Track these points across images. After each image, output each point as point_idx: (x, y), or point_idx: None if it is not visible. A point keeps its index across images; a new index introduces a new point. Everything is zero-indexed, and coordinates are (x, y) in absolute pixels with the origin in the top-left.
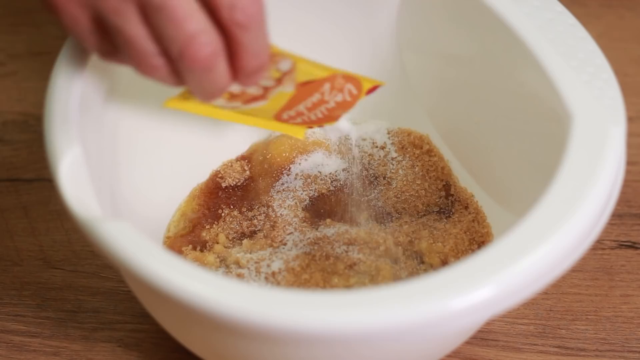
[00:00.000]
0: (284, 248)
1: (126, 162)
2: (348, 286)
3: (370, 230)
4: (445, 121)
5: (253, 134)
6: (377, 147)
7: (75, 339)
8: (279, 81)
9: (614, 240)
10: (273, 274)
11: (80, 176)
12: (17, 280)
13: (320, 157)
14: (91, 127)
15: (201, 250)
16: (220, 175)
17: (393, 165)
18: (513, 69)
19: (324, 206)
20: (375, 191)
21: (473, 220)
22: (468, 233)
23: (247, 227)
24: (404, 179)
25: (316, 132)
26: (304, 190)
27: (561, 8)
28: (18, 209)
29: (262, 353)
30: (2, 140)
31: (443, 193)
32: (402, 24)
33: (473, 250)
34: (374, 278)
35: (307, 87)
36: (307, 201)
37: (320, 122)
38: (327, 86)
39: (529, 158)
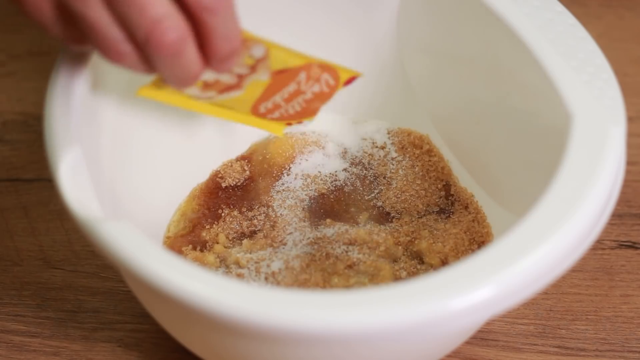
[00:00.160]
0: (284, 248)
1: (126, 162)
2: (348, 286)
3: (370, 230)
4: (445, 121)
5: (253, 134)
6: (377, 147)
7: (75, 339)
8: (253, 68)
9: (614, 240)
10: (273, 274)
11: (80, 176)
12: (17, 280)
13: (320, 157)
14: (91, 127)
15: (201, 250)
16: (220, 175)
17: (393, 165)
18: (513, 69)
19: (324, 206)
20: (375, 191)
21: (473, 220)
22: (468, 233)
23: (247, 227)
24: (404, 179)
25: (316, 132)
26: (304, 190)
27: (561, 8)
28: (18, 209)
29: (262, 353)
30: (2, 140)
31: (443, 193)
32: (402, 24)
33: (473, 250)
34: (374, 278)
35: (282, 75)
36: (307, 201)
37: (299, 117)
38: (302, 75)
39: (529, 158)
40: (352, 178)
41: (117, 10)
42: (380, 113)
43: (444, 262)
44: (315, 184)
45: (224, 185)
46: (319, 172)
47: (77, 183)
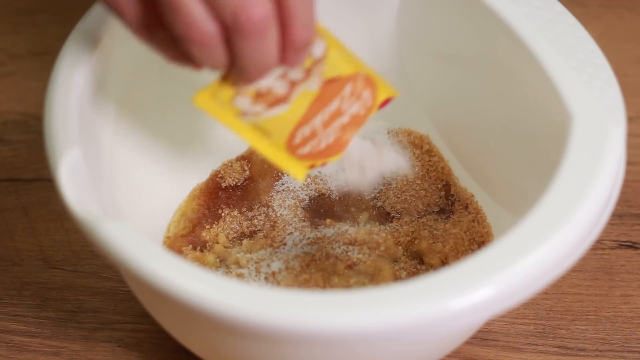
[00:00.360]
0: (284, 248)
1: (126, 162)
2: (348, 286)
3: (370, 230)
4: (445, 121)
5: None
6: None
7: (75, 339)
8: (308, 72)
9: (614, 240)
10: (273, 274)
11: (80, 176)
12: (17, 280)
13: None
14: (91, 127)
15: (201, 251)
16: (220, 175)
17: None
18: (513, 69)
19: (324, 206)
20: (375, 191)
21: (473, 220)
22: (468, 233)
23: (247, 227)
24: (404, 179)
25: None
26: (304, 190)
27: (561, 8)
28: (18, 209)
29: (262, 353)
30: (2, 140)
31: (443, 193)
32: (402, 24)
33: (473, 250)
34: (374, 278)
35: (331, 87)
36: (307, 201)
37: (325, 156)
38: (348, 89)
39: (529, 158)
40: (352, 178)
41: None
42: (380, 113)
43: (444, 262)
44: (315, 184)
45: (224, 185)
46: (319, 172)
47: (77, 183)
